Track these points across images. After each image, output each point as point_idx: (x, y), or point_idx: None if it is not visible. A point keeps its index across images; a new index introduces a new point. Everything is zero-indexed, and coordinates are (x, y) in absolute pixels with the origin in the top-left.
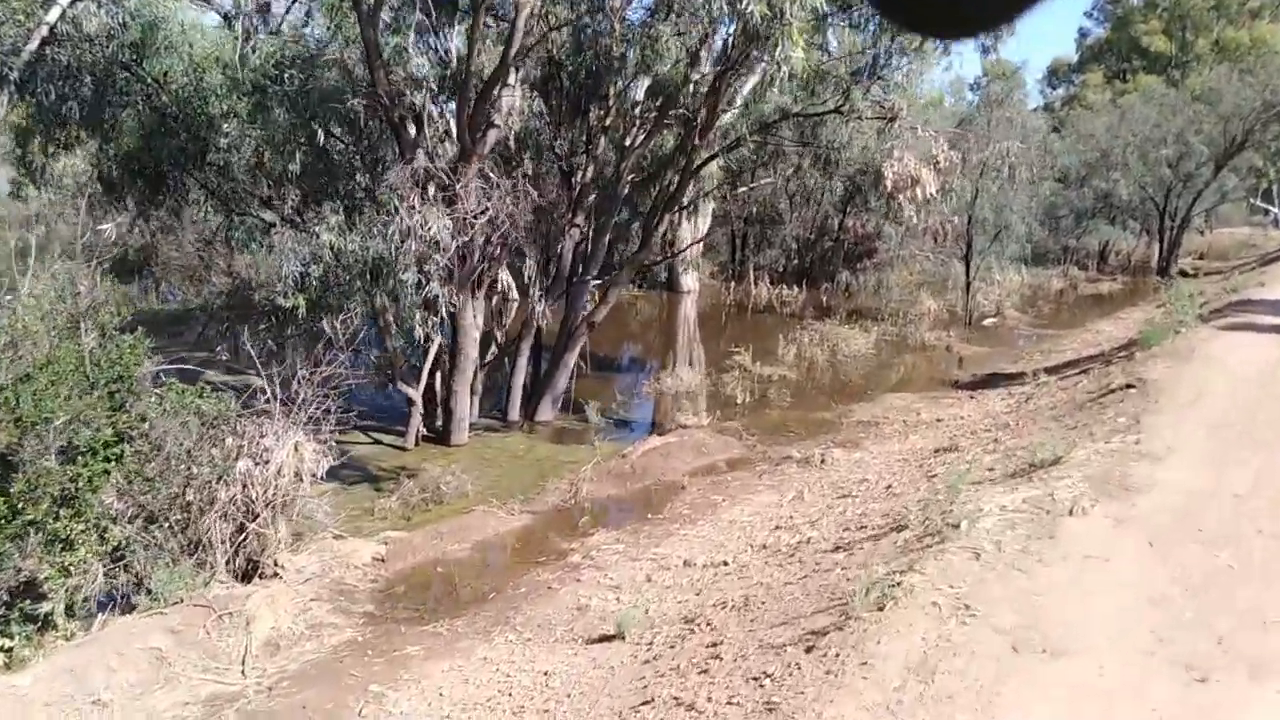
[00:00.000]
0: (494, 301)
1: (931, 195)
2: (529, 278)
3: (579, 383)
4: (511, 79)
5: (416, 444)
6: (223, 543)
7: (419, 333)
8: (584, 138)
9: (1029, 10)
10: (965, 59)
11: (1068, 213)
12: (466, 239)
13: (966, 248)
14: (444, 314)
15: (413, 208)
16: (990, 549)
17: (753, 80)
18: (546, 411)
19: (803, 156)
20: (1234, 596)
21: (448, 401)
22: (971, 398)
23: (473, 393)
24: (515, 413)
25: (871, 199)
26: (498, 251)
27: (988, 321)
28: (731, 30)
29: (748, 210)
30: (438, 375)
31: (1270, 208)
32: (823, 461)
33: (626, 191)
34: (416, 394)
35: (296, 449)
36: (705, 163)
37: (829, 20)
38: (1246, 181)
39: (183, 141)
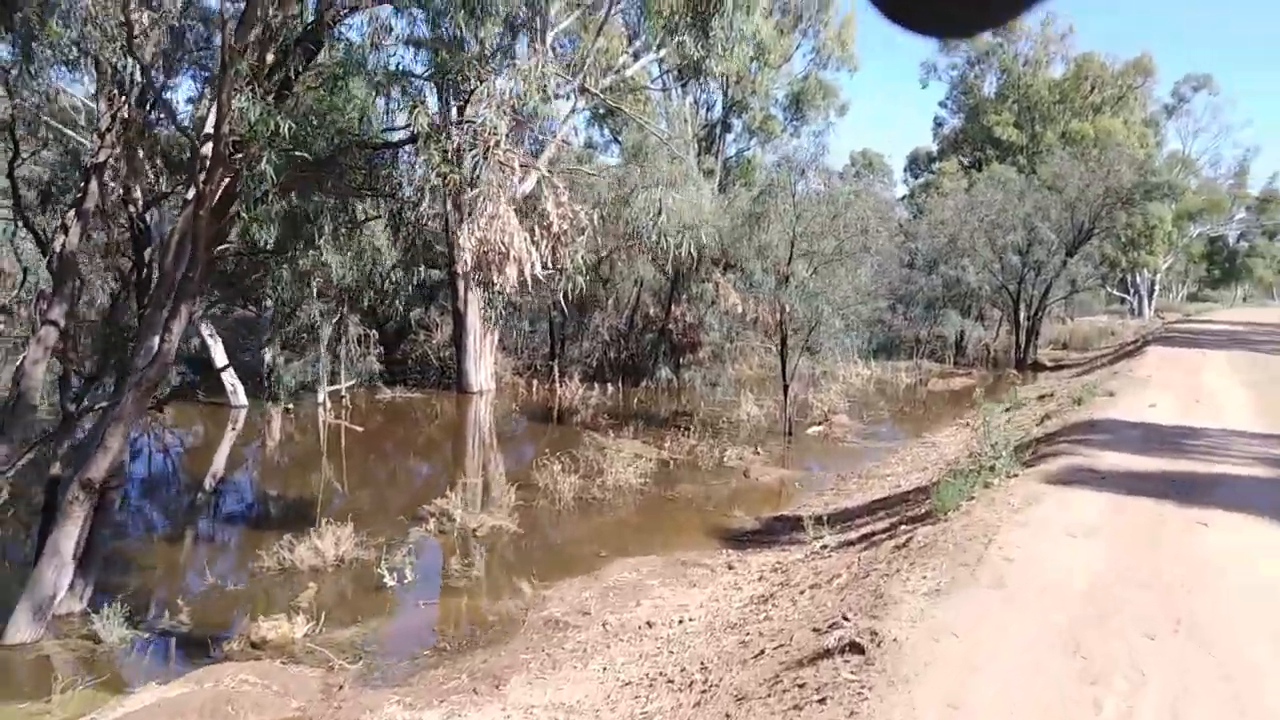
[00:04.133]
0: None
1: (536, 275)
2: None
3: (210, 549)
4: None
5: None
6: None
7: None
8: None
9: (1025, 10)
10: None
11: (919, 301)
12: None
13: (781, 344)
14: None
15: None
16: None
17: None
18: (22, 629)
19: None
20: None
21: None
22: (730, 567)
23: None
24: None
25: (693, 284)
26: None
27: (812, 430)
28: None
29: (553, 296)
30: None
31: (1125, 296)
32: None
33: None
34: None
35: None
36: (220, 226)
37: None
38: (1100, 270)
39: None
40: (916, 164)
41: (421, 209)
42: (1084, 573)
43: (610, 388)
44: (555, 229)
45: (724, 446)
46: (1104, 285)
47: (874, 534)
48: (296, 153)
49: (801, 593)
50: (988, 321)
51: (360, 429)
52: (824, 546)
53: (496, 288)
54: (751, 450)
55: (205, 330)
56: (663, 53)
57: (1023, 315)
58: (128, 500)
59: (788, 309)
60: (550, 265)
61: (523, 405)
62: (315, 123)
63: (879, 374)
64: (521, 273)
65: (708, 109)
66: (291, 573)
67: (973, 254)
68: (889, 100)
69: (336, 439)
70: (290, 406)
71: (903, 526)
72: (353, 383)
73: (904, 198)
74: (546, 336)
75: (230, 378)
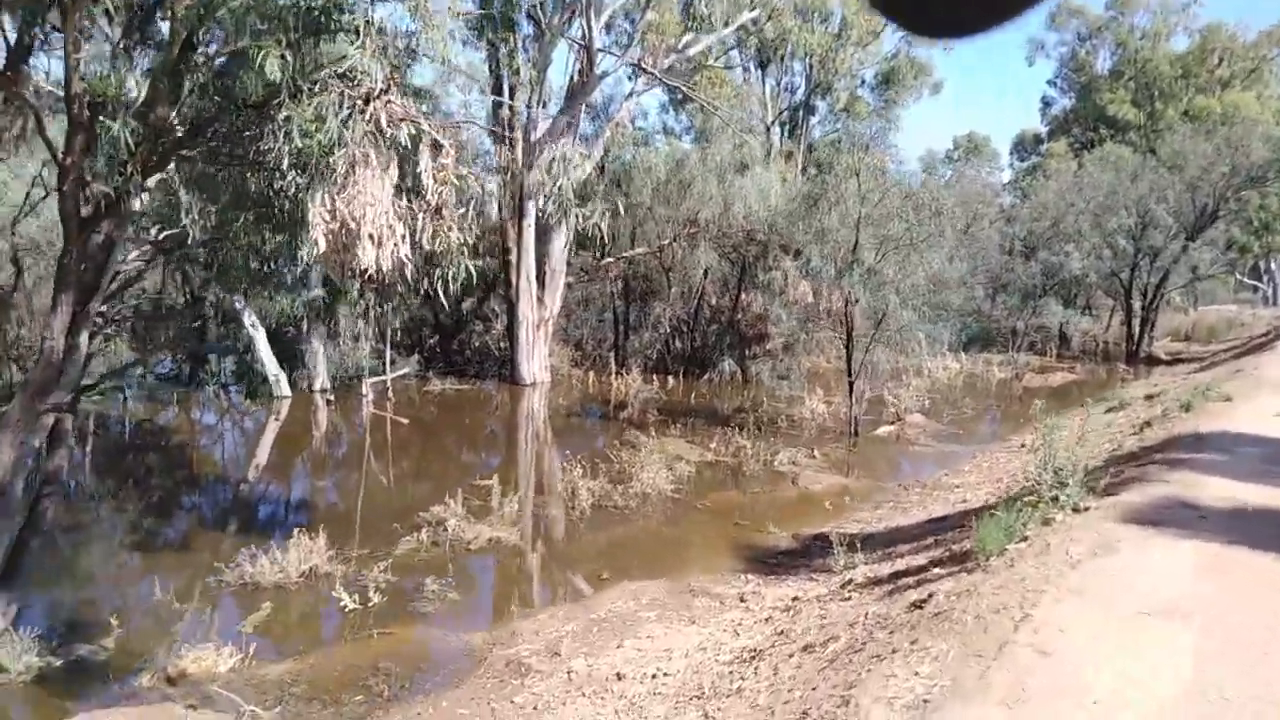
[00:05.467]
0: None
1: (403, 257)
2: None
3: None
4: None
5: None
6: None
7: None
8: None
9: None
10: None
11: (1016, 289)
12: None
13: (846, 336)
14: None
15: None
16: None
17: None
18: None
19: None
20: None
21: None
22: (742, 599)
23: None
24: None
25: (760, 272)
26: None
27: (882, 431)
28: None
29: (614, 286)
30: None
31: (1258, 284)
32: None
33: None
34: None
35: None
36: (93, 205)
37: None
38: (1227, 255)
39: None
40: (1023, 146)
41: (288, 180)
42: (1155, 683)
43: (671, 380)
44: (432, 200)
45: (776, 448)
46: (1232, 272)
47: (908, 572)
48: (153, 115)
49: (790, 656)
50: (1096, 311)
51: (405, 421)
52: (847, 583)
53: (352, 272)
54: (807, 453)
55: (248, 320)
56: (727, 30)
57: (1136, 305)
58: (96, 497)
59: (852, 299)
60: (429, 244)
61: (575, 398)
62: (194, 80)
63: (970, 367)
64: (385, 256)
65: (790, 92)
66: (253, 589)
67: (1077, 239)
68: (994, 79)
69: (374, 433)
70: (332, 399)
71: (935, 569)
72: (402, 373)
73: (1009, 182)
74: (609, 327)
75: (273, 369)
